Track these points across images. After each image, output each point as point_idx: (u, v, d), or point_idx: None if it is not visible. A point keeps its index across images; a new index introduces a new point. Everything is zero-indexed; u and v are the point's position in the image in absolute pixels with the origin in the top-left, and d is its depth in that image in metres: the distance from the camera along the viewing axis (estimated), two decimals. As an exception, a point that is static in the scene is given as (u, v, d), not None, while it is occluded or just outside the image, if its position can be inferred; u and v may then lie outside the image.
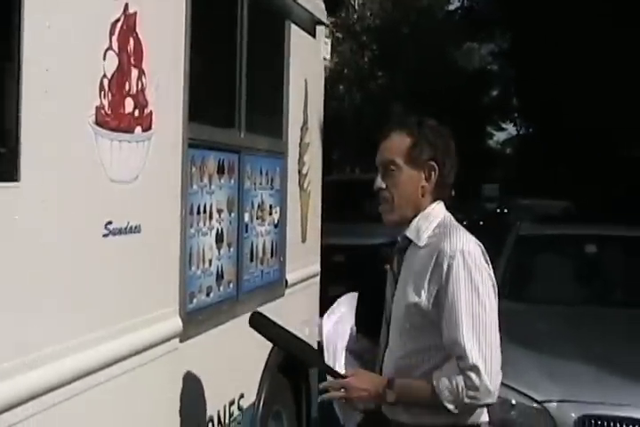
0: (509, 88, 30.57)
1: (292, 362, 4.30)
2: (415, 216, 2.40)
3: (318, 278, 5.03)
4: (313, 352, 2.44)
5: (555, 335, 4.88)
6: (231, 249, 3.50)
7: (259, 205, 3.85)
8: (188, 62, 2.98)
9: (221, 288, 3.41)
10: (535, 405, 4.01)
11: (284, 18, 4.21)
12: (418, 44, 28.64)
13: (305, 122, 4.58)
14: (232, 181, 3.50)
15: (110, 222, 2.45)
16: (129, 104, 2.53)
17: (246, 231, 3.68)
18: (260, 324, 2.54)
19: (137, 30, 2.57)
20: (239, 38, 3.57)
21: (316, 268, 4.99)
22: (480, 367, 2.19)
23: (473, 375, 2.19)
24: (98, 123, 2.35)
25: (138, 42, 2.58)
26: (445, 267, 2.25)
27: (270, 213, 4.01)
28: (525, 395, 3.99)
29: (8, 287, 1.98)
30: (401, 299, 2.36)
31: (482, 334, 2.21)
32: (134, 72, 2.57)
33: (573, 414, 3.93)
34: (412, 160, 2.37)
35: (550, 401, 4.00)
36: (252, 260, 3.77)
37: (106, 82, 2.39)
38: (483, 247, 2.35)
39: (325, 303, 4.96)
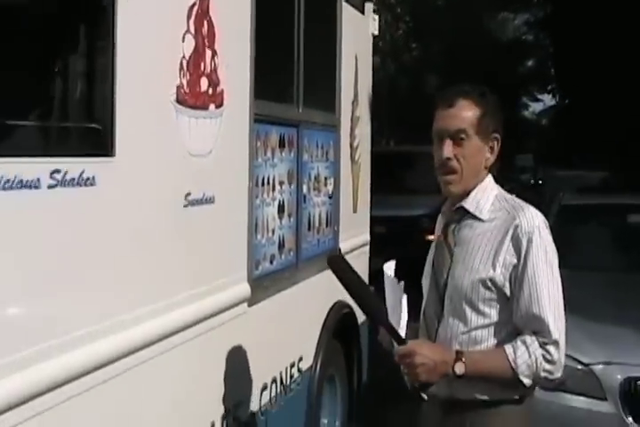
0: (545, 58, 30.31)
1: (346, 328, 4.50)
2: (472, 188, 2.36)
3: (368, 248, 5.22)
4: (380, 309, 2.31)
5: (597, 300, 5.03)
6: (291, 219, 3.69)
7: (315, 177, 4.02)
8: (253, 42, 3.14)
9: (283, 256, 3.60)
10: (581, 367, 4.17)
11: (337, -4, 4.35)
12: (452, 15, 28.46)
13: (355, 96, 4.73)
14: (292, 154, 3.68)
15: (189, 194, 2.64)
16: (204, 83, 2.71)
17: (304, 202, 3.86)
18: (339, 266, 2.40)
19: (210, 13, 2.74)
20: (296, 18, 3.72)
21: (366, 237, 5.17)
22: (560, 342, 2.23)
23: (552, 350, 2.22)
24: (178, 101, 2.53)
25: (211, 24, 2.75)
26: (525, 242, 2.25)
27: (325, 185, 4.19)
28: (572, 357, 4.13)
29: (101, 252, 2.17)
30: (466, 273, 2.31)
31: (557, 309, 2.24)
32: (208, 53, 2.74)
33: (619, 376, 4.09)
34: (481, 131, 2.32)
35: (596, 364, 4.16)
36: (309, 229, 3.96)
37: (185, 63, 2.57)
38: (547, 221, 2.35)
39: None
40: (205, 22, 2.71)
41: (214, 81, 2.78)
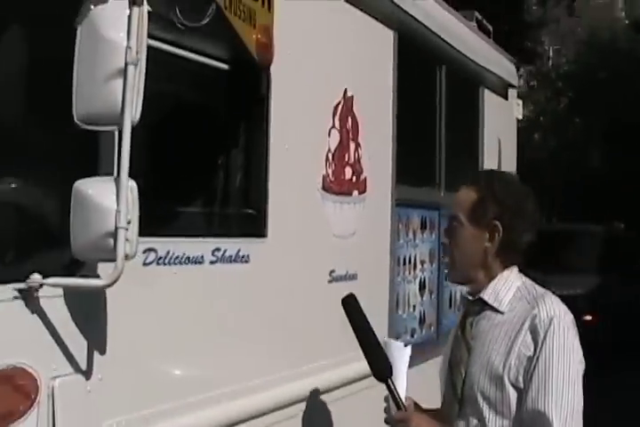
0: None
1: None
2: (488, 279, 2.19)
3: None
4: (385, 363, 2.25)
5: None
6: (432, 296, 3.92)
7: (457, 256, 4.23)
8: (394, 132, 3.46)
9: (423, 331, 3.82)
10: None
11: (478, 85, 4.64)
12: (616, 87, 28.00)
13: (498, 179, 4.94)
14: (433, 236, 3.93)
15: (333, 271, 2.94)
16: (348, 172, 3.04)
17: (445, 280, 4.08)
18: (352, 309, 2.39)
19: (354, 110, 3.08)
20: (438, 108, 4.04)
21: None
22: None
23: None
24: (324, 188, 2.87)
25: (354, 119, 3.09)
26: (542, 333, 2.07)
27: (467, 264, 4.38)
28: None
29: (253, 321, 2.47)
30: (483, 370, 2.13)
31: (568, 410, 2.04)
32: (352, 145, 3.07)
33: None
34: (475, 218, 2.18)
35: None
36: (450, 306, 4.16)
37: (330, 155, 2.91)
38: (572, 315, 2.16)
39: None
40: (349, 118, 3.05)
41: (358, 170, 3.10)
